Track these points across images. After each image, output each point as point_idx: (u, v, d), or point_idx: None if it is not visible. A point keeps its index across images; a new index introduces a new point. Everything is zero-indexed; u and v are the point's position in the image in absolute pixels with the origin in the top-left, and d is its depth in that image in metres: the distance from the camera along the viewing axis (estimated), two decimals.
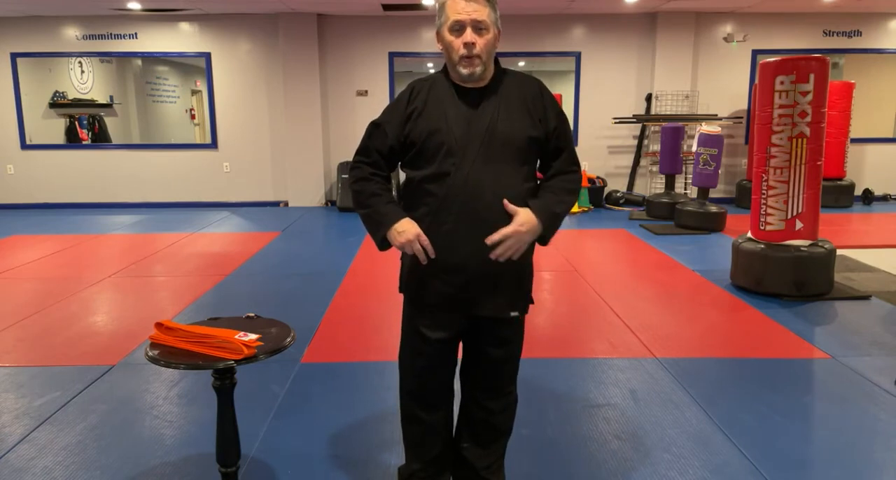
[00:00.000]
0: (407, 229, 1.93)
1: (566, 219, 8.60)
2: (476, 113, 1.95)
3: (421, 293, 2.05)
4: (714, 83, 9.55)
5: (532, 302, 2.15)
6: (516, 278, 2.04)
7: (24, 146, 9.69)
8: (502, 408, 2.19)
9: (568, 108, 10.04)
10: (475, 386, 2.18)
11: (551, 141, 2.04)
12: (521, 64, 11.73)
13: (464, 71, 1.93)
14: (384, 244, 2.01)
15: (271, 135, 9.68)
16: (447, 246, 1.95)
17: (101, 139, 10.57)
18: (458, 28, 1.90)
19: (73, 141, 10.27)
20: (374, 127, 2.06)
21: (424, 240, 1.92)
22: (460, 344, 2.17)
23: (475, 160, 1.92)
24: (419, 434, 2.19)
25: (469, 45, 1.89)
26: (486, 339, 2.09)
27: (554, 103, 2.05)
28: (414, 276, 2.05)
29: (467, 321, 2.07)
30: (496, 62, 2.03)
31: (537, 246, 2.09)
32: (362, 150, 2.06)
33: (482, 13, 1.89)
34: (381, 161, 2.04)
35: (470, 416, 2.21)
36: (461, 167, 1.92)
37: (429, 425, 2.17)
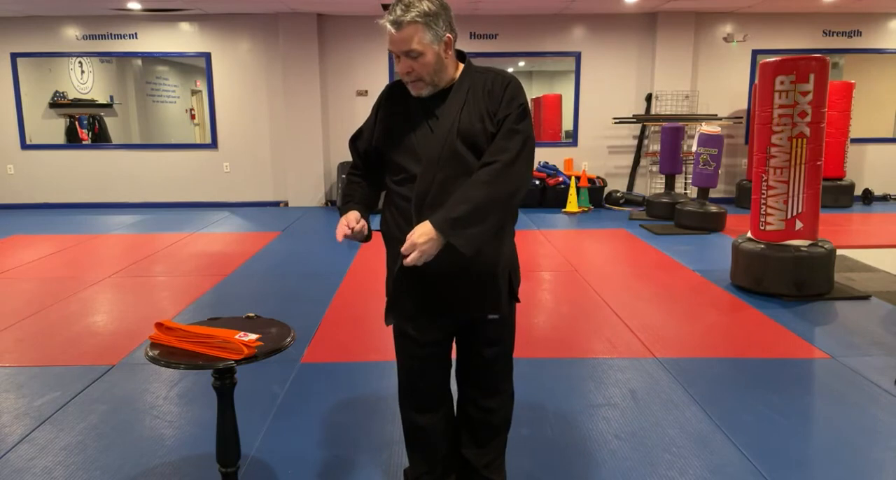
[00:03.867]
0: (339, 225, 2.01)
1: (566, 219, 8.46)
2: (436, 117, 1.93)
3: (398, 299, 2.05)
4: (714, 83, 9.55)
5: (518, 301, 2.14)
6: (487, 280, 2.00)
7: (24, 146, 9.69)
8: (499, 406, 2.19)
9: (568, 108, 10.06)
10: (471, 386, 2.18)
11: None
12: (521, 64, 11.74)
13: (413, 93, 1.94)
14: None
15: (271, 136, 9.68)
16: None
17: (101, 139, 10.57)
18: (395, 56, 1.89)
19: (73, 141, 10.27)
20: (357, 131, 2.14)
21: (344, 226, 1.99)
22: (453, 345, 2.17)
23: (438, 164, 1.89)
24: (421, 438, 2.19)
25: (404, 74, 1.90)
26: (477, 339, 2.09)
27: (515, 95, 1.91)
28: (391, 282, 2.06)
29: (453, 323, 2.07)
30: (464, 58, 2.00)
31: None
32: (351, 154, 2.17)
33: (410, 42, 1.83)
34: (360, 162, 2.13)
35: (468, 417, 2.21)
36: (425, 171, 1.90)
37: (429, 428, 2.16)
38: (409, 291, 2.01)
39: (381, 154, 2.04)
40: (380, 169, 2.09)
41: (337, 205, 2.16)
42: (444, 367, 2.15)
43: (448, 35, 1.89)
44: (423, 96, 1.93)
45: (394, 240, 2.02)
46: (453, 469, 2.24)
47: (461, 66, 2.00)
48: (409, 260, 1.82)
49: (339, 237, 2.00)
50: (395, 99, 2.02)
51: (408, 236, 1.84)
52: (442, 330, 2.07)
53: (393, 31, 1.83)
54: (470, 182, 1.85)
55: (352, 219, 1.99)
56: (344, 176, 9.14)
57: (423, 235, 1.81)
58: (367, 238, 2.07)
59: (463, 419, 2.22)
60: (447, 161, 1.89)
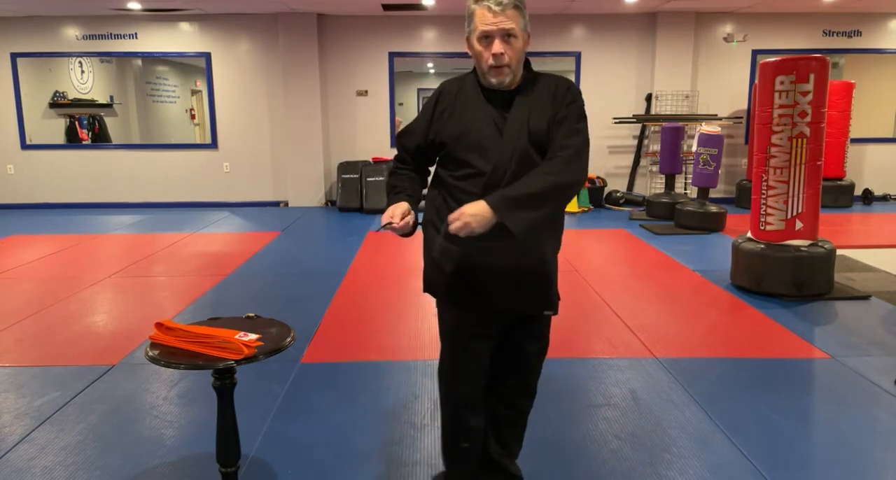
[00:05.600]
0: (385, 213, 1.97)
1: (566, 219, 8.55)
2: (506, 115, 1.96)
3: (459, 291, 2.04)
4: (714, 83, 9.55)
5: (559, 298, 2.19)
6: (546, 277, 2.08)
7: (24, 146, 9.69)
8: (528, 406, 2.25)
9: None
10: (506, 385, 2.19)
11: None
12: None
13: (493, 80, 1.96)
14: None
15: (271, 135, 9.68)
16: (480, 247, 1.95)
17: (101, 139, 10.57)
18: (487, 38, 1.90)
19: (73, 141, 10.27)
20: (406, 128, 2.14)
21: (394, 222, 1.93)
22: None
23: (508, 161, 1.93)
24: (470, 441, 2.17)
25: (498, 56, 1.90)
26: (523, 335, 2.13)
27: (575, 97, 2.01)
28: (452, 276, 2.04)
29: (506, 319, 2.10)
30: (527, 63, 2.03)
31: (561, 246, 2.16)
32: (397, 150, 2.18)
33: (511, 23, 1.88)
34: (408, 157, 2.13)
35: (497, 416, 2.22)
36: (495, 170, 1.93)
37: (478, 429, 2.16)
38: (478, 289, 2.02)
39: (437, 149, 2.05)
40: (427, 164, 2.14)
41: (387, 199, 2.13)
42: (488, 365, 2.15)
43: (529, 30, 1.96)
44: (503, 84, 1.95)
45: (450, 237, 1.99)
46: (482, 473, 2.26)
47: (524, 71, 2.03)
48: (452, 228, 1.87)
49: (384, 221, 1.97)
50: (458, 96, 2.02)
51: (461, 210, 1.87)
52: (498, 323, 2.08)
53: (497, 10, 1.87)
54: (531, 172, 1.92)
55: (398, 213, 1.96)
56: (345, 175, 9.19)
57: (473, 207, 1.87)
58: (411, 233, 2.03)
59: (492, 420, 2.23)
60: (517, 161, 1.93)
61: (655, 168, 9.47)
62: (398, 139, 2.16)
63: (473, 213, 1.85)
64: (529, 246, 1.99)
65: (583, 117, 2.00)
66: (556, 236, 2.12)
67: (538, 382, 2.25)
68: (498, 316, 2.07)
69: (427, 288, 2.12)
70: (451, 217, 1.87)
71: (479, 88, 2.00)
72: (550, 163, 1.93)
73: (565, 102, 1.98)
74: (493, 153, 1.94)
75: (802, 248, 4.67)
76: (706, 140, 7.32)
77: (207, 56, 9.50)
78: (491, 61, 1.91)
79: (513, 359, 2.16)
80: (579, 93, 2.03)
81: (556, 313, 2.15)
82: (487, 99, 1.98)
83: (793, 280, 4.66)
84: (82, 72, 10.78)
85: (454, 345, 2.12)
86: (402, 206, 1.98)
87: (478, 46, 1.93)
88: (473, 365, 2.10)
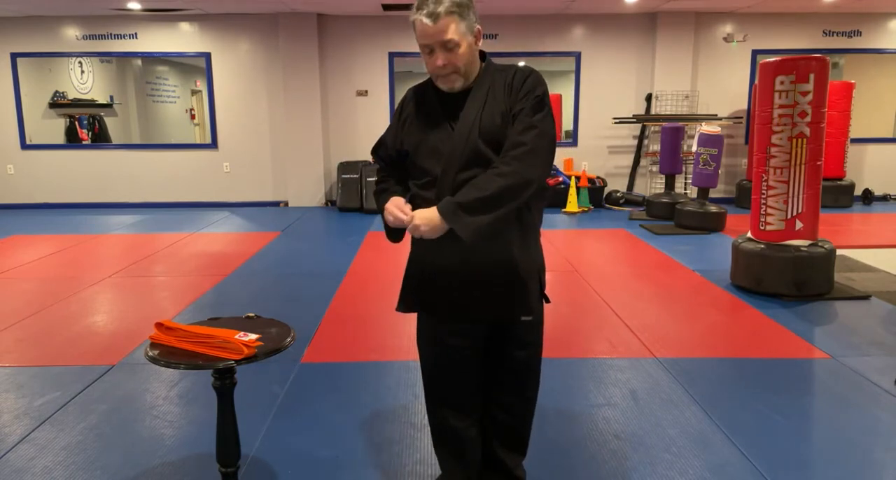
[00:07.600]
0: (388, 207, 1.95)
1: (566, 219, 8.46)
2: (459, 117, 1.93)
3: (424, 300, 2.04)
4: (714, 83, 9.56)
5: (548, 301, 2.14)
6: (512, 282, 1.98)
7: (24, 146, 9.70)
8: (529, 411, 2.21)
9: (568, 108, 10.05)
10: (503, 391, 2.16)
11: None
12: (521, 64, 11.72)
13: (443, 87, 1.94)
14: (391, 234, 2.05)
15: (271, 135, 9.68)
16: (439, 253, 1.95)
17: (101, 139, 10.57)
18: (428, 50, 1.88)
19: (73, 141, 10.27)
20: (379, 139, 2.14)
21: (391, 210, 1.92)
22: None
23: (459, 164, 1.89)
24: (459, 444, 2.15)
25: (440, 67, 1.88)
26: (509, 342, 2.08)
27: (532, 87, 1.92)
28: (414, 284, 2.05)
29: (485, 326, 2.06)
30: (484, 57, 2.00)
31: (543, 247, 2.11)
32: (376, 163, 2.19)
33: (447, 32, 1.83)
34: (386, 168, 2.14)
35: (498, 421, 2.19)
36: (445, 172, 1.90)
37: (464, 430, 2.13)
38: (441, 296, 2.00)
39: (406, 158, 2.03)
40: (406, 171, 2.09)
41: (378, 205, 2.10)
42: (477, 371, 2.12)
43: (477, 26, 1.91)
44: (455, 89, 1.93)
45: (420, 244, 1.99)
46: (481, 476, 2.22)
47: (482, 64, 2.00)
48: (410, 229, 1.88)
49: (395, 216, 1.94)
50: (418, 102, 2.02)
51: (413, 214, 1.87)
52: (473, 332, 2.05)
53: (430, 23, 1.82)
54: (484, 174, 1.86)
55: (401, 201, 1.94)
56: (345, 175, 9.19)
57: (424, 213, 1.86)
58: (401, 238, 2.05)
59: (494, 425, 2.20)
60: (469, 161, 1.89)
61: (655, 168, 9.47)
62: (374, 152, 2.14)
63: (424, 219, 1.85)
64: (496, 250, 1.94)
65: (540, 108, 1.89)
66: (527, 240, 2.01)
67: (538, 386, 2.22)
68: (475, 323, 2.04)
69: (401, 305, 2.10)
70: (409, 225, 1.87)
71: (436, 92, 1.98)
72: (502, 162, 1.85)
73: (520, 94, 1.90)
74: (444, 159, 1.91)
75: (802, 248, 4.67)
76: (706, 140, 7.32)
77: (207, 56, 9.51)
78: (436, 70, 1.90)
79: (505, 367, 2.12)
80: (538, 81, 1.93)
81: (532, 317, 2.04)
82: (444, 101, 1.96)
83: (793, 280, 4.66)
84: (82, 72, 10.78)
85: (428, 347, 2.11)
86: (401, 199, 1.97)
87: (423, 55, 1.91)
88: (452, 366, 2.08)
